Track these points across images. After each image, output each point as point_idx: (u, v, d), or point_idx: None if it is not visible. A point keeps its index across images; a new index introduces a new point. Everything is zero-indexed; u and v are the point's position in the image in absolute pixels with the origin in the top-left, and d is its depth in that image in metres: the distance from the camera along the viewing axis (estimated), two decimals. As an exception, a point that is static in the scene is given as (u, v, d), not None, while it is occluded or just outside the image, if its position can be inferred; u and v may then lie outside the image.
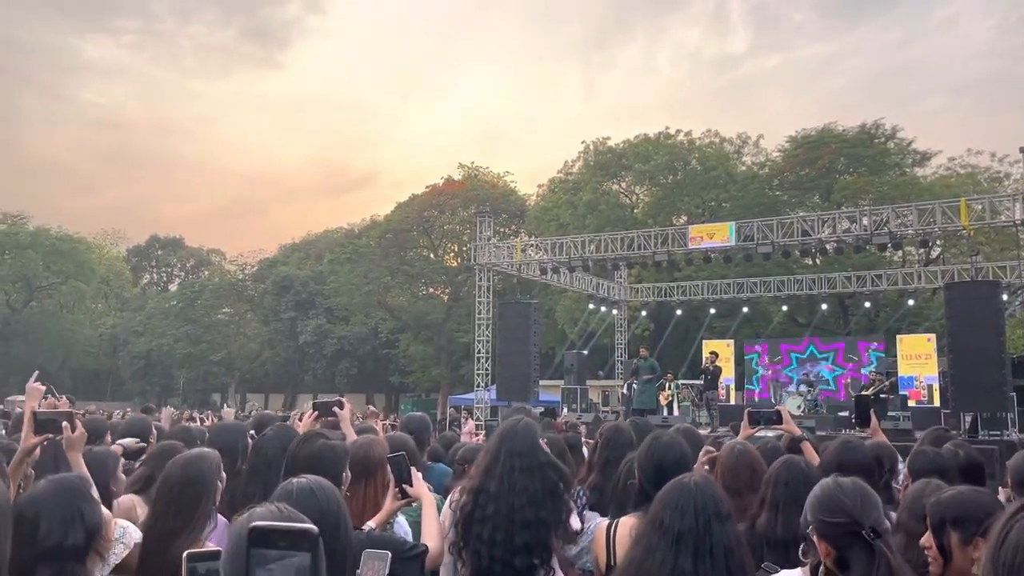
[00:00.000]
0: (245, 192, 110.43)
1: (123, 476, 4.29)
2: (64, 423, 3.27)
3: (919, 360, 23.05)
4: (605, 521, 3.43)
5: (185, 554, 1.41)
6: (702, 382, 19.17)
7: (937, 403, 20.62)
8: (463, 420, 20.35)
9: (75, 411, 3.54)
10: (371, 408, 13.57)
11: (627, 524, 3.15)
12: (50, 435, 3.25)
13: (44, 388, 3.75)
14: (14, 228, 51.51)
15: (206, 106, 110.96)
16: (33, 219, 53.06)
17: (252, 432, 4.56)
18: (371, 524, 3.07)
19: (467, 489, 3.21)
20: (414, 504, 3.23)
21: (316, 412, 4.36)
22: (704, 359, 19.74)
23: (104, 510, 2.53)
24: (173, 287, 66.39)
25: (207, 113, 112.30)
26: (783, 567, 2.70)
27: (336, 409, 4.32)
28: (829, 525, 2.27)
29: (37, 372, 4.07)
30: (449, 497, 3.39)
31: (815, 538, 2.33)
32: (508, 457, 3.15)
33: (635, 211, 39.86)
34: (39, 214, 77.44)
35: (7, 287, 50.78)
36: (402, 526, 3.31)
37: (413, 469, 3.15)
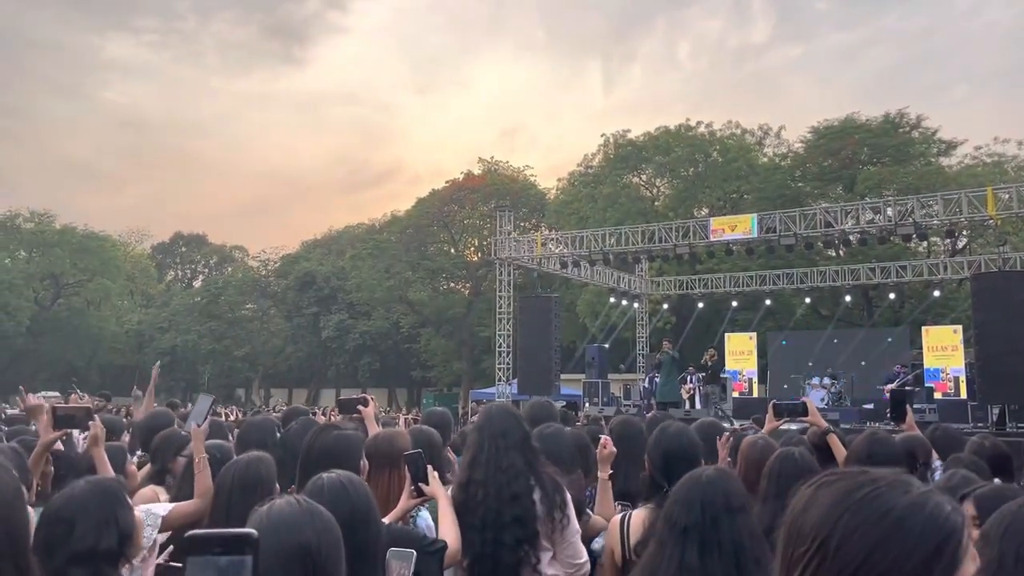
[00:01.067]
0: (267, 189, 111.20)
1: (135, 470, 4.37)
2: (90, 420, 3.32)
3: (945, 352, 22.80)
4: (621, 513, 3.44)
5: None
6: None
7: (964, 395, 20.39)
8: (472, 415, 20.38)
9: (98, 407, 3.60)
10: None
11: (640, 516, 3.16)
12: (68, 431, 3.30)
13: (44, 404, 3.81)
14: (41, 227, 52.22)
15: (227, 104, 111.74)
16: (59, 218, 53.81)
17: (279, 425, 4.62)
18: (386, 520, 3.09)
19: (457, 484, 3.23)
20: (428, 503, 3.25)
21: (341, 410, 4.40)
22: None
23: (137, 514, 2.56)
24: (197, 284, 67.05)
25: (228, 111, 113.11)
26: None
27: (360, 407, 4.34)
28: None
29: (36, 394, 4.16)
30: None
31: None
32: (491, 440, 3.19)
33: (656, 204, 39.68)
34: (65, 213, 78.56)
35: (36, 285, 51.50)
36: (425, 520, 3.32)
37: (429, 468, 3.16)
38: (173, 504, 3.59)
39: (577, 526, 3.21)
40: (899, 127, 35.52)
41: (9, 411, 10.78)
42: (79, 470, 3.26)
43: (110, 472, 3.28)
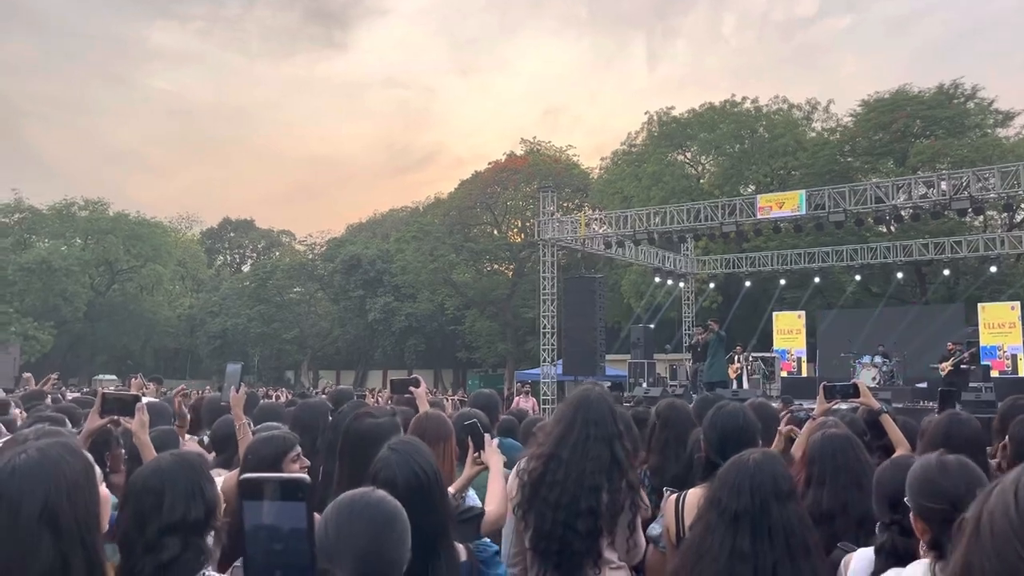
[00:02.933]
0: (311, 173, 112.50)
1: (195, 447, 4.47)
2: (136, 406, 3.41)
3: (1002, 329, 22.23)
4: (675, 494, 3.43)
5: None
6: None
7: (1022, 373, 19.86)
8: (517, 397, 20.42)
9: (146, 393, 3.70)
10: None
11: (695, 495, 3.15)
12: (116, 416, 3.38)
13: (148, 387, 3.95)
14: (95, 214, 53.48)
15: (272, 89, 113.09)
16: (112, 205, 55.05)
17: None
18: (450, 490, 3.15)
19: (537, 455, 3.24)
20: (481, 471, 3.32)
21: (392, 390, 4.46)
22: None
23: (216, 489, 2.62)
24: (246, 268, 68.18)
25: (273, 96, 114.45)
26: (829, 540, 2.66)
27: (412, 388, 4.39)
28: (927, 509, 2.21)
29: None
30: (516, 464, 3.42)
31: (912, 515, 2.27)
32: (584, 425, 3.17)
33: (701, 182, 39.17)
34: (117, 200, 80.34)
35: (91, 271, 52.86)
36: (473, 498, 3.37)
37: (487, 436, 3.22)
38: (222, 478, 3.66)
39: (639, 523, 3.22)
40: (953, 98, 34.45)
41: (71, 395, 11.12)
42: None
43: (204, 453, 3.36)
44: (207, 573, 2.28)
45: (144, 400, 3.62)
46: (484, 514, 3.12)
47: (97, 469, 1.80)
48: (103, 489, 1.78)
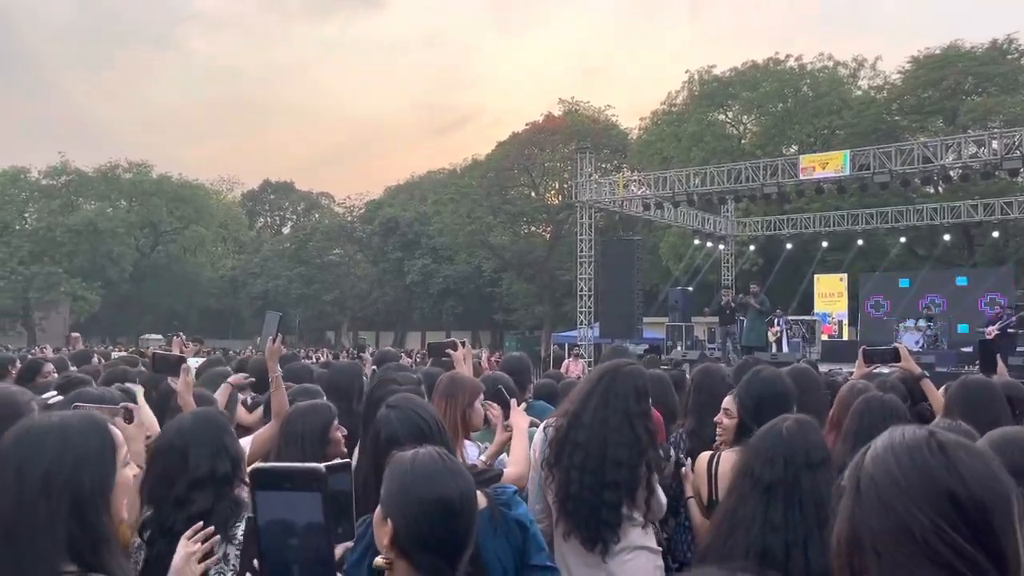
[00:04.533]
0: (350, 135, 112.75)
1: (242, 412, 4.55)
2: (182, 367, 3.48)
3: (1053, 292, 21.61)
4: (707, 454, 3.44)
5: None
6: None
7: (1073, 338, 19.33)
8: (567, 360, 20.36)
9: (200, 351, 3.76)
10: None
11: (728, 458, 3.15)
12: (165, 375, 3.45)
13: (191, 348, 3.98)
14: (139, 176, 54.30)
15: (310, 50, 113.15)
16: (155, 167, 55.83)
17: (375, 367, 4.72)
18: (483, 458, 3.19)
19: (563, 412, 3.25)
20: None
21: (430, 353, 4.47)
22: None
23: (238, 444, 2.69)
24: (286, 230, 68.87)
25: (311, 57, 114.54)
26: None
27: (450, 351, 4.42)
28: None
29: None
30: (545, 421, 3.43)
31: None
32: (604, 393, 3.16)
33: (742, 142, 38.45)
34: (159, 162, 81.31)
35: (136, 233, 53.84)
36: (472, 456, 3.39)
37: (512, 401, 3.24)
38: (253, 435, 3.73)
39: (656, 483, 3.22)
40: (1007, 53, 33.19)
41: (116, 354, 11.39)
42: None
43: (143, 424, 3.37)
44: (237, 526, 2.34)
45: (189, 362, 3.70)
46: (502, 475, 3.14)
47: (124, 449, 1.75)
48: (126, 472, 1.73)
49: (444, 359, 4.52)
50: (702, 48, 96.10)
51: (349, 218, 62.27)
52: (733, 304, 18.36)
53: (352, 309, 57.14)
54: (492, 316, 50.49)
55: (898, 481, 1.03)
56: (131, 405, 2.91)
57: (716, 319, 19.77)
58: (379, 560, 1.80)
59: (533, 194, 47.76)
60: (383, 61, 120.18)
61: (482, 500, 2.24)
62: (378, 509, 1.81)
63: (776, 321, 19.31)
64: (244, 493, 2.47)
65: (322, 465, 1.03)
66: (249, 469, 1.22)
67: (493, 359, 17.51)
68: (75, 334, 6.54)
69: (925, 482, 1.02)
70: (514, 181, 47.04)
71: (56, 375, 5.09)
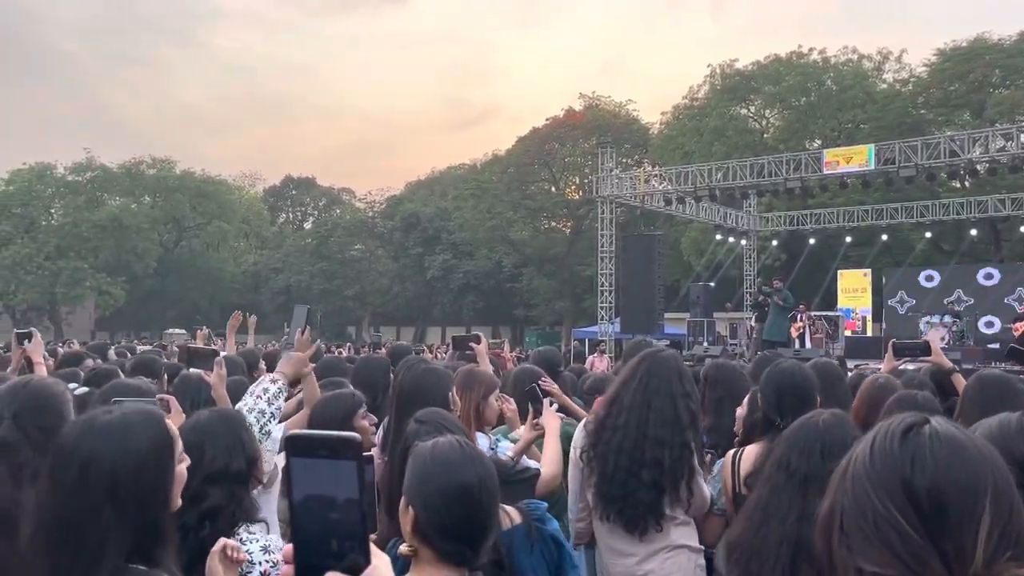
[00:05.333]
0: (371, 130, 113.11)
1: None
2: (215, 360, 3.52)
3: (1083, 288, 21.31)
4: (732, 451, 3.42)
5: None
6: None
7: (1102, 335, 19.02)
8: (591, 356, 20.18)
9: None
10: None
11: (752, 452, 3.14)
12: (200, 369, 3.48)
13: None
14: (163, 172, 54.77)
15: (331, 46, 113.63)
16: (179, 163, 56.29)
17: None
18: (509, 454, 3.20)
19: (604, 401, 3.25)
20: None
21: (454, 346, 4.49)
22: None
23: (256, 442, 2.71)
24: (307, 225, 69.22)
25: (332, 53, 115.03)
26: None
27: (473, 344, 4.43)
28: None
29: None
30: (584, 420, 3.43)
31: None
32: (645, 375, 3.16)
33: (765, 136, 38.16)
34: (183, 158, 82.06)
35: (160, 228, 54.34)
36: (503, 450, 3.40)
37: (545, 400, 3.24)
38: (284, 424, 3.77)
39: (699, 477, 3.20)
40: (1036, 46, 32.70)
41: (140, 347, 11.52)
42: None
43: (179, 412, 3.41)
44: (244, 528, 2.33)
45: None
46: (539, 475, 3.16)
47: (180, 443, 1.77)
48: (181, 468, 1.75)
49: (468, 352, 4.55)
50: (724, 42, 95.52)
51: (370, 213, 62.49)
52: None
53: (373, 304, 57.37)
54: (512, 312, 50.51)
55: (866, 463, 1.07)
56: (167, 396, 2.95)
57: (738, 314, 19.71)
58: (403, 548, 1.82)
59: (553, 189, 47.70)
60: (404, 56, 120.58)
61: (517, 516, 2.26)
62: (402, 498, 1.84)
63: (799, 317, 19.17)
64: (258, 492, 2.51)
65: (357, 435, 1.03)
66: (283, 436, 1.25)
67: (514, 354, 17.47)
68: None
69: (885, 467, 1.05)
70: (534, 176, 46.99)
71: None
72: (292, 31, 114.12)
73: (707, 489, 3.23)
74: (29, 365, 4.16)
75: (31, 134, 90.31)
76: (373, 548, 1.00)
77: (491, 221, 45.04)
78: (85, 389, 3.81)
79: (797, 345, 18.31)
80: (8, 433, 2.09)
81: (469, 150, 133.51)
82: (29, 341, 4.24)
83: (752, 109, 40.21)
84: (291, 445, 1.01)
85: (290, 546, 0.98)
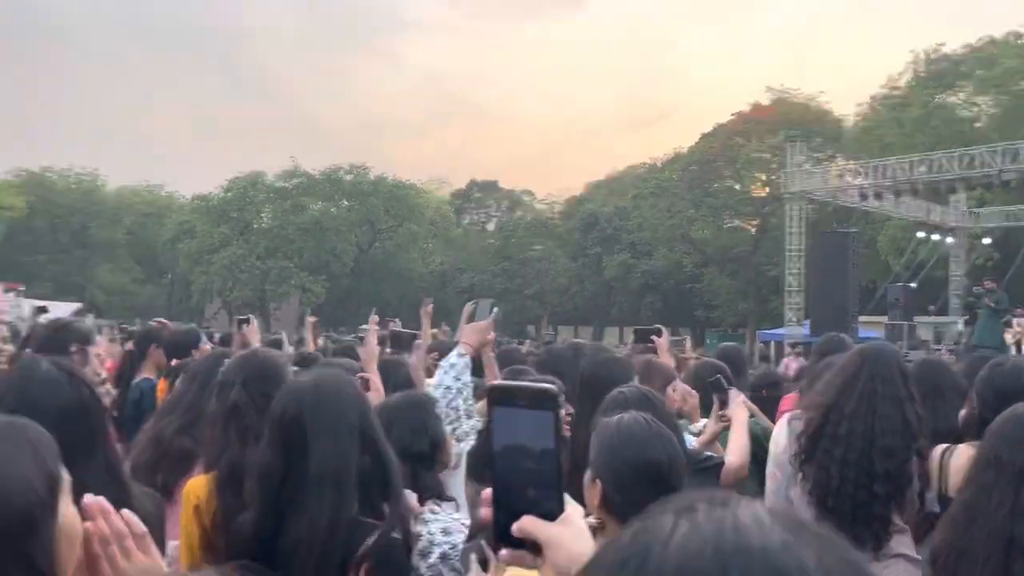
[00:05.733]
0: (552, 132, 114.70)
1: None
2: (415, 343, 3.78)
3: None
4: (940, 448, 3.21)
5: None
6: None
7: None
8: (786, 358, 19.02)
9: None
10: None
11: (964, 453, 2.94)
12: (402, 351, 3.73)
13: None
14: (359, 178, 58.38)
15: (514, 52, 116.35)
16: (372, 168, 59.79)
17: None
18: (694, 444, 3.18)
19: (815, 405, 3.05)
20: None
21: (636, 339, 4.56)
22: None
23: (443, 427, 2.84)
24: (490, 227, 71.25)
25: (515, 59, 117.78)
26: None
27: (654, 336, 4.45)
28: None
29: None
30: (787, 416, 3.27)
31: None
32: (869, 379, 2.90)
33: (976, 125, 35.01)
34: (376, 163, 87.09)
35: (356, 231, 57.98)
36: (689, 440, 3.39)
37: (732, 390, 3.19)
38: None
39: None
40: None
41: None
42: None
43: (379, 390, 3.59)
44: (430, 506, 2.44)
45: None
46: (724, 463, 3.11)
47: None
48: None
49: (649, 344, 4.58)
50: (928, 25, 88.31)
51: (549, 214, 63.36)
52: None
53: (551, 304, 58.13)
54: (693, 312, 49.44)
55: None
56: (367, 375, 3.19)
57: (944, 318, 18.22)
58: (591, 519, 1.87)
59: (737, 186, 46.24)
60: (585, 58, 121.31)
61: None
62: (587, 472, 1.89)
63: (1016, 322, 17.42)
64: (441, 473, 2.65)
65: (554, 387, 1.10)
66: (487, 386, 1.35)
67: (695, 356, 16.99)
68: (312, 318, 7.10)
69: None
70: (718, 173, 45.77)
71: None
72: (477, 39, 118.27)
73: (914, 496, 3.02)
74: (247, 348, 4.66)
75: (246, 144, 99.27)
76: (566, 497, 1.05)
77: (671, 220, 44.37)
78: (295, 369, 4.20)
79: (1013, 352, 16.66)
80: (239, 397, 2.34)
81: (650, 149, 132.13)
82: (248, 325, 4.73)
83: (961, 96, 37.03)
84: (493, 395, 1.08)
85: (489, 490, 1.06)
